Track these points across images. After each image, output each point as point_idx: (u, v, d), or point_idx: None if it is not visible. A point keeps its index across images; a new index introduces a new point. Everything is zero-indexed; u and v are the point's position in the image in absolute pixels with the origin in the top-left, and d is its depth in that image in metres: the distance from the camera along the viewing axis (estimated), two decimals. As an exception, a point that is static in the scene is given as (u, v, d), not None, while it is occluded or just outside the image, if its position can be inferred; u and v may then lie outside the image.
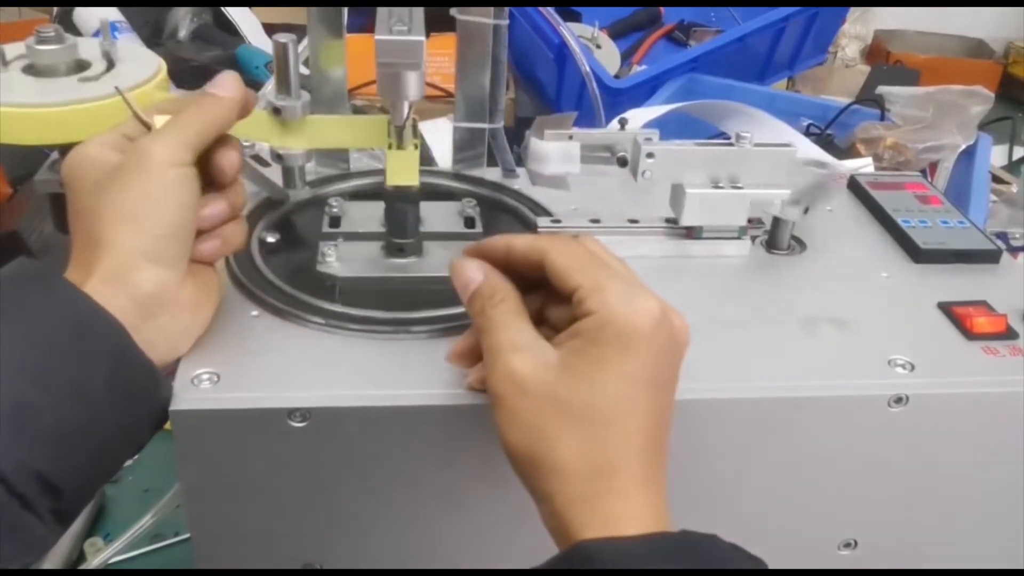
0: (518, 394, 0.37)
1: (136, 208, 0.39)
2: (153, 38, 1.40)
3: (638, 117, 0.97)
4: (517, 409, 0.37)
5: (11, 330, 0.36)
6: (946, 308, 0.52)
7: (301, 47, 0.61)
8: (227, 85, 0.44)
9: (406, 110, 0.48)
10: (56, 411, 0.36)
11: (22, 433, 0.35)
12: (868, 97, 1.26)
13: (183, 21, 1.43)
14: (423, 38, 0.44)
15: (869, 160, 1.07)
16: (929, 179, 0.99)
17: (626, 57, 1.42)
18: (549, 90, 1.31)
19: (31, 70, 0.53)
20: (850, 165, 0.62)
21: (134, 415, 0.39)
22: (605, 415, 0.37)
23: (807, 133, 1.19)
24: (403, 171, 0.50)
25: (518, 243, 0.41)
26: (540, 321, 0.41)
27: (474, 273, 0.41)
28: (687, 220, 0.54)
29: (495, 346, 0.39)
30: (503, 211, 0.60)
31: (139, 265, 0.39)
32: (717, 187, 0.54)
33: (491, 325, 0.39)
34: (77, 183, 0.40)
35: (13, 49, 0.51)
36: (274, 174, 0.56)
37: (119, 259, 0.39)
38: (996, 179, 1.22)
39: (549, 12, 1.19)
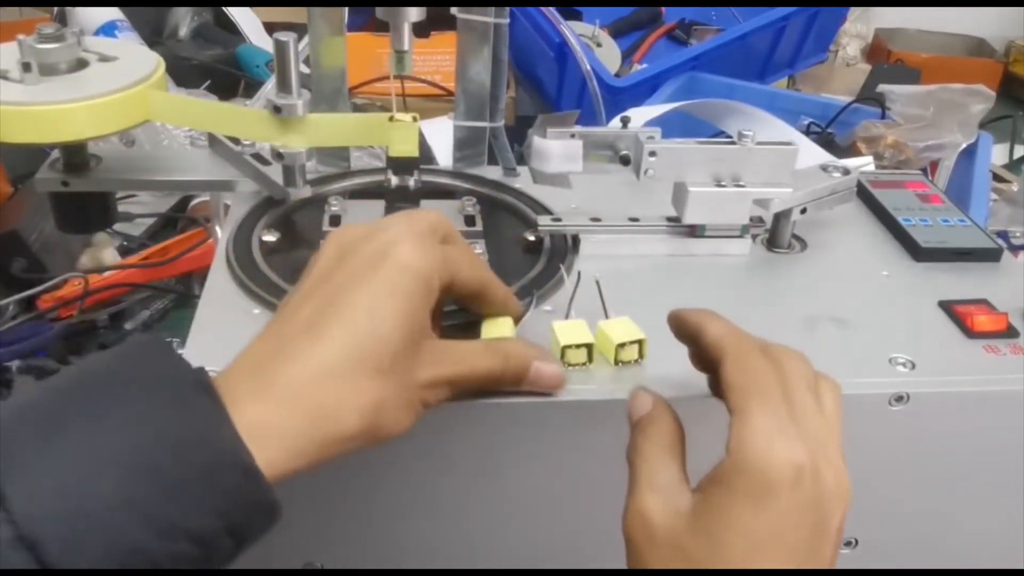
0: (646, 538, 0.35)
1: None
2: (153, 37, 1.40)
3: (639, 116, 0.97)
4: (643, 553, 0.35)
5: None
6: (947, 307, 0.52)
7: (301, 45, 0.61)
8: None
9: (407, 32, 0.48)
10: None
11: None
12: (869, 96, 1.26)
13: (184, 20, 1.43)
14: None
15: (870, 159, 1.07)
16: (930, 178, 0.99)
17: (627, 56, 1.42)
18: (550, 89, 1.31)
19: (31, 69, 0.53)
20: (851, 164, 0.62)
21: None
22: None
23: (808, 132, 1.19)
24: (404, 142, 0.51)
25: (708, 333, 0.39)
26: None
27: (644, 402, 0.40)
28: (690, 218, 0.54)
29: (634, 480, 0.37)
30: (503, 209, 0.60)
31: None
32: (719, 185, 0.54)
33: (637, 457, 0.38)
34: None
35: (13, 47, 0.51)
36: (274, 172, 0.56)
37: None
38: (997, 178, 1.22)
39: (550, 11, 1.19)
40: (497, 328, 0.44)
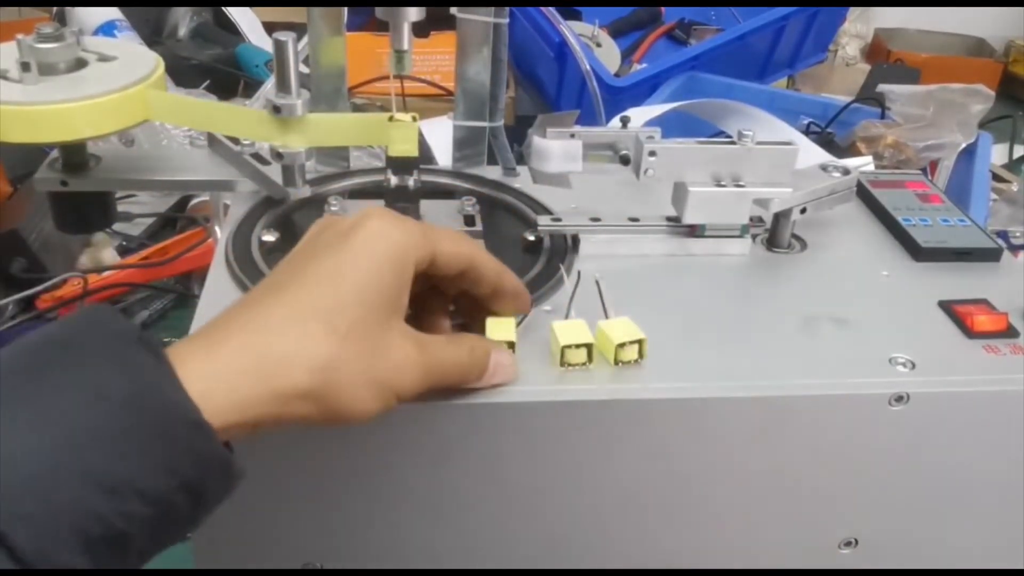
0: None
1: None
2: (153, 37, 1.40)
3: (639, 116, 0.97)
4: None
5: None
6: (947, 306, 0.52)
7: (301, 45, 0.61)
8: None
9: (406, 32, 0.48)
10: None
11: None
12: (869, 95, 1.26)
13: (183, 20, 1.43)
14: None
15: (870, 158, 1.07)
16: (930, 177, 0.99)
17: (626, 55, 1.42)
18: (549, 88, 1.31)
19: (30, 68, 0.53)
20: (851, 164, 0.62)
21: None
22: None
23: (807, 131, 1.19)
24: (403, 142, 0.51)
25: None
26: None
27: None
28: (690, 218, 0.54)
29: None
30: (503, 209, 0.60)
31: None
32: (719, 185, 0.54)
33: None
34: None
35: (12, 47, 0.51)
36: (274, 172, 0.56)
37: None
38: (997, 177, 1.22)
39: (550, 11, 1.19)
40: (500, 329, 0.44)
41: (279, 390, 0.34)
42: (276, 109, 0.50)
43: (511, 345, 0.44)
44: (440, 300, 0.44)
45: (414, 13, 0.54)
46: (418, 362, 0.38)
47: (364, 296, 0.36)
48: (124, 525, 0.30)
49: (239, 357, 0.34)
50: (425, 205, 0.55)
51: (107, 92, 0.50)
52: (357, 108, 1.11)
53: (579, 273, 0.49)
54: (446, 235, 0.40)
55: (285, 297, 0.36)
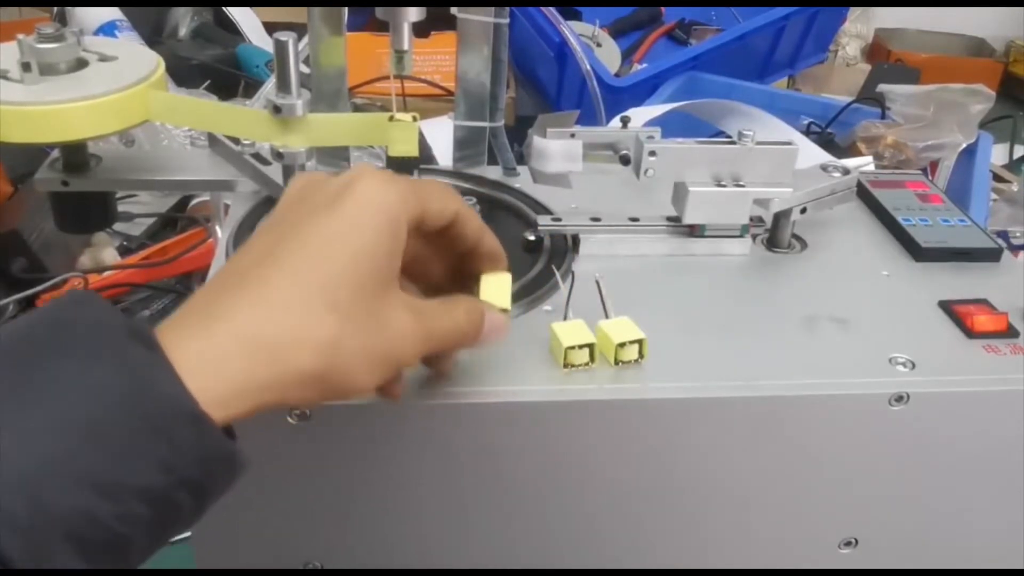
0: None
1: None
2: (153, 37, 1.40)
3: (639, 116, 0.97)
4: None
5: None
6: (947, 306, 0.52)
7: (301, 45, 0.61)
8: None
9: (406, 32, 0.48)
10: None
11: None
12: (869, 96, 1.26)
13: (184, 20, 1.43)
14: None
15: (870, 159, 1.07)
16: (930, 177, 0.99)
17: (627, 56, 1.42)
18: (550, 89, 1.31)
19: (31, 68, 0.53)
20: (851, 164, 0.62)
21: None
22: None
23: (808, 132, 1.19)
24: (403, 142, 0.51)
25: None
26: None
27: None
28: (690, 218, 0.54)
29: None
30: (503, 209, 0.60)
31: None
32: (719, 185, 0.54)
33: None
34: None
35: (13, 47, 0.51)
36: (274, 172, 0.56)
37: None
38: (997, 178, 1.22)
39: (550, 11, 1.19)
40: (496, 286, 0.43)
41: (283, 374, 0.33)
42: (276, 109, 0.50)
43: (504, 311, 0.42)
44: (428, 259, 0.42)
45: (414, 13, 0.54)
46: (417, 330, 0.37)
47: (362, 266, 0.34)
48: (123, 528, 0.29)
49: (238, 340, 0.32)
50: None
51: (107, 92, 0.50)
52: (357, 108, 1.11)
53: (573, 274, 0.49)
54: (434, 190, 0.39)
55: (282, 270, 0.34)
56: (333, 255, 0.34)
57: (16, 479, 0.27)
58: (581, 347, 0.44)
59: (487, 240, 0.42)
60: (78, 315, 0.31)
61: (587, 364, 0.45)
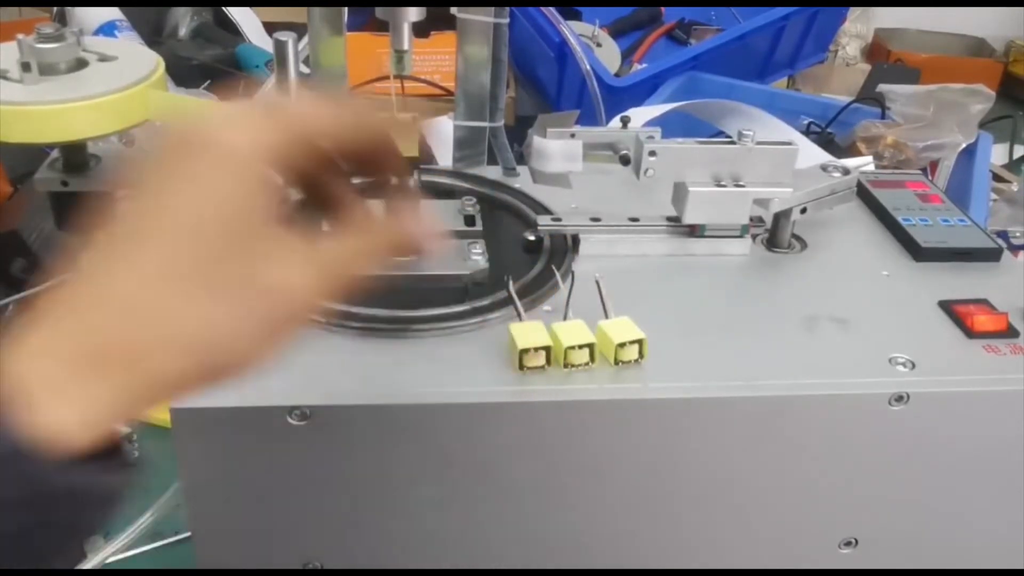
0: None
1: None
2: (153, 37, 1.40)
3: (639, 116, 0.97)
4: None
5: None
6: (947, 306, 0.52)
7: (301, 45, 0.61)
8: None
9: (406, 32, 0.47)
10: None
11: None
12: (869, 96, 1.26)
13: (184, 20, 1.43)
14: None
15: (870, 159, 1.07)
16: (930, 177, 0.99)
17: (626, 56, 1.42)
18: (549, 89, 1.31)
19: (31, 68, 0.53)
20: (851, 164, 0.62)
21: None
22: None
23: (807, 132, 1.19)
24: (403, 142, 0.51)
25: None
26: None
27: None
28: (690, 218, 0.54)
29: None
30: (503, 209, 0.60)
31: None
32: (719, 185, 0.54)
33: None
34: None
35: (13, 47, 0.51)
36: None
37: None
38: (997, 177, 1.22)
39: (550, 11, 1.19)
40: (530, 334, 0.43)
41: (157, 379, 0.29)
42: (276, 109, 0.50)
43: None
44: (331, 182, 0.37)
45: (414, 13, 0.54)
46: (307, 274, 0.32)
47: (211, 234, 0.30)
48: None
49: (102, 354, 0.28)
50: (425, 205, 0.55)
51: (107, 92, 0.50)
52: (357, 108, 1.11)
53: (573, 274, 0.49)
54: (301, 109, 0.34)
55: (140, 258, 0.29)
56: (192, 228, 0.30)
57: None
58: (581, 347, 0.44)
59: (385, 140, 0.37)
60: None
61: (587, 364, 0.45)
